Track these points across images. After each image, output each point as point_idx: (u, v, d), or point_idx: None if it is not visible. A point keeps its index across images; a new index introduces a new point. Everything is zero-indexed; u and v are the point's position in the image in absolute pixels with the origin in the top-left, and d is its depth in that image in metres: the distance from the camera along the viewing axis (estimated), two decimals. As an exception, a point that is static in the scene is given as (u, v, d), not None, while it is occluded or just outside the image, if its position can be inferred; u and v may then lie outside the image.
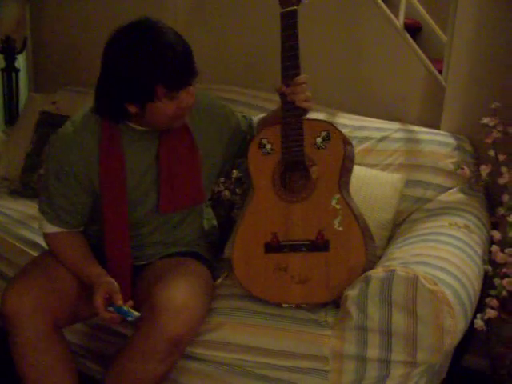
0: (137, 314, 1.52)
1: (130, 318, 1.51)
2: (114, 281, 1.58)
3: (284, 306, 1.65)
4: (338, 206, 1.64)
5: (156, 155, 1.66)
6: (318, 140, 1.66)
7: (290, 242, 1.65)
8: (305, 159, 1.67)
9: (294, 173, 1.70)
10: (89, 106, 1.65)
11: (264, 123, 1.81)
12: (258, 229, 1.69)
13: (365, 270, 1.58)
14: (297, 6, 1.62)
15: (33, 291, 1.53)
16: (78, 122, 1.64)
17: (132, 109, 1.53)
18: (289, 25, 1.62)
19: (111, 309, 1.53)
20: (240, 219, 1.73)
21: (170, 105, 1.52)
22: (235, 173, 2.13)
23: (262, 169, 1.70)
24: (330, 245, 1.63)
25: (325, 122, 1.74)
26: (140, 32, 1.49)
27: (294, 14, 1.62)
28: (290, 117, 1.65)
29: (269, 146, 1.70)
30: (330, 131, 1.66)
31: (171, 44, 1.48)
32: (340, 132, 1.67)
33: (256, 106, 2.34)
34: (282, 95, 1.65)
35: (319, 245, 1.63)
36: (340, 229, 1.62)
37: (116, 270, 1.66)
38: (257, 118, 1.92)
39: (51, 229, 1.68)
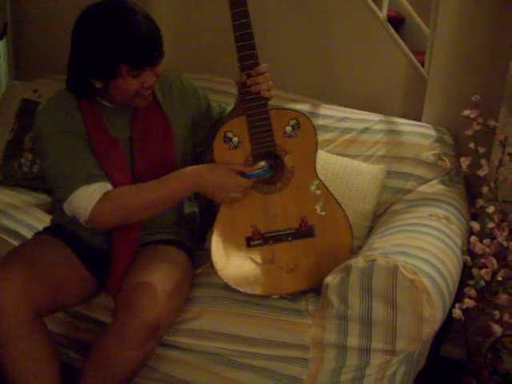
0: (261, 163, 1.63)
1: (263, 171, 1.64)
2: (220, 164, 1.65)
3: (274, 297, 1.65)
4: (318, 192, 1.66)
5: (130, 133, 1.69)
6: (288, 129, 1.66)
7: (274, 234, 1.66)
8: (276, 149, 1.66)
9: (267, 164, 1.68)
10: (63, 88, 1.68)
11: (229, 116, 1.78)
12: (236, 224, 1.66)
13: (352, 249, 1.63)
14: None
15: (14, 279, 1.52)
16: (54, 97, 1.68)
17: (98, 84, 1.57)
18: (239, 13, 1.56)
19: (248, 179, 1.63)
20: (216, 217, 1.69)
21: (133, 82, 1.56)
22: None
23: (232, 163, 1.65)
24: (315, 230, 1.65)
25: (292, 110, 1.72)
26: (107, 10, 1.53)
27: (243, 1, 1.56)
28: (254, 107, 1.62)
29: (236, 139, 1.65)
30: (299, 119, 1.66)
31: (137, 24, 1.50)
32: (309, 119, 1.68)
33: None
34: (243, 86, 1.61)
35: (304, 232, 1.66)
36: (323, 213, 1.66)
37: (123, 238, 1.68)
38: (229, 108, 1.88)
39: (96, 192, 1.58)
